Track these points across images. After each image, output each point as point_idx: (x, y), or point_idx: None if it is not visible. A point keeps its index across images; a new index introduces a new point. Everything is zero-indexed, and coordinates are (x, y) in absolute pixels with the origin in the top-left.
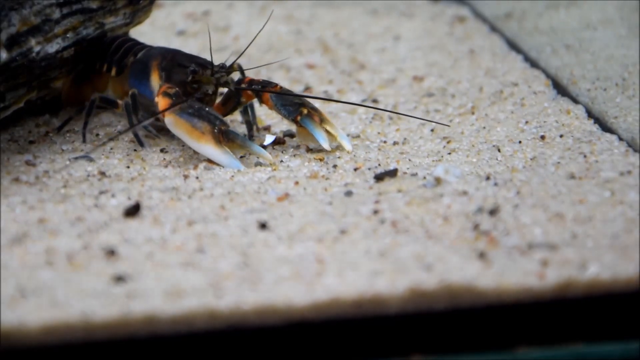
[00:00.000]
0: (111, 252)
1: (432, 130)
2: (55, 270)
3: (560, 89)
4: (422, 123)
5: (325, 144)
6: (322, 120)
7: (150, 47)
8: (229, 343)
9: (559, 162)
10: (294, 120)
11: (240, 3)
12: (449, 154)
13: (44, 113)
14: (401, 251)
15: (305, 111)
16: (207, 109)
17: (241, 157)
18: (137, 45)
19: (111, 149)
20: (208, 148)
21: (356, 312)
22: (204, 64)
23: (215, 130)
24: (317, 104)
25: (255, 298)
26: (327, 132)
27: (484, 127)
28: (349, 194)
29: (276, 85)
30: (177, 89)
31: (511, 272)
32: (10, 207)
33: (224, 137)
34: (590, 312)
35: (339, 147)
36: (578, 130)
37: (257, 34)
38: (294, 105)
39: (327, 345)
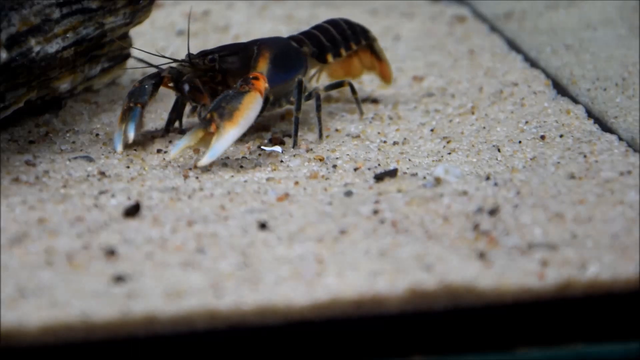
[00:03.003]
0: (111, 252)
1: (432, 130)
2: (55, 270)
3: (560, 89)
4: (422, 122)
5: (173, 150)
6: (222, 125)
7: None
8: (229, 343)
9: (559, 162)
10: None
11: (240, 3)
12: (449, 154)
13: (44, 113)
14: (401, 251)
15: (208, 116)
16: (146, 86)
17: (244, 157)
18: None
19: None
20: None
21: (356, 312)
22: (199, 53)
23: (124, 107)
24: None
25: (255, 298)
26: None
27: (484, 127)
28: (348, 194)
29: (250, 82)
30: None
31: (511, 272)
32: (10, 207)
33: (125, 114)
34: (590, 312)
35: (337, 147)
36: (578, 130)
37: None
38: (214, 106)
39: (327, 346)
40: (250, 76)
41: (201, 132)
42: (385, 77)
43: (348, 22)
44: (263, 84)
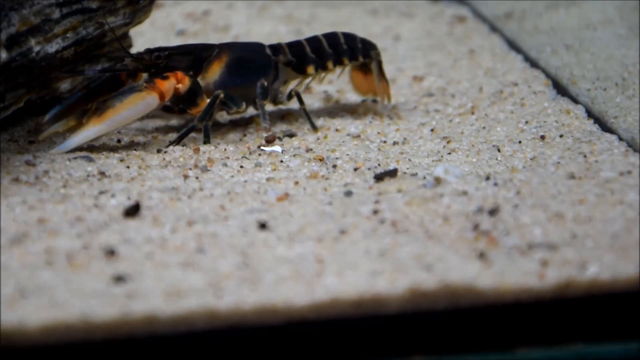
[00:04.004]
0: (111, 252)
1: (432, 130)
2: (55, 270)
3: (560, 89)
4: (422, 123)
5: (43, 133)
6: (90, 118)
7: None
8: (229, 343)
9: (559, 162)
10: None
11: (240, 3)
12: (449, 154)
13: (44, 113)
14: (401, 251)
15: (89, 106)
16: (107, 75)
17: (244, 157)
18: None
19: (117, 146)
20: None
21: (356, 313)
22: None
23: None
24: None
25: (255, 298)
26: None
27: (484, 127)
28: (348, 194)
29: (170, 75)
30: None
31: (511, 272)
32: (10, 207)
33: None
34: (590, 312)
35: (337, 147)
36: (578, 130)
37: None
38: (103, 99)
39: (327, 346)
40: (163, 74)
41: (73, 121)
42: (382, 95)
43: (349, 36)
44: (169, 85)
